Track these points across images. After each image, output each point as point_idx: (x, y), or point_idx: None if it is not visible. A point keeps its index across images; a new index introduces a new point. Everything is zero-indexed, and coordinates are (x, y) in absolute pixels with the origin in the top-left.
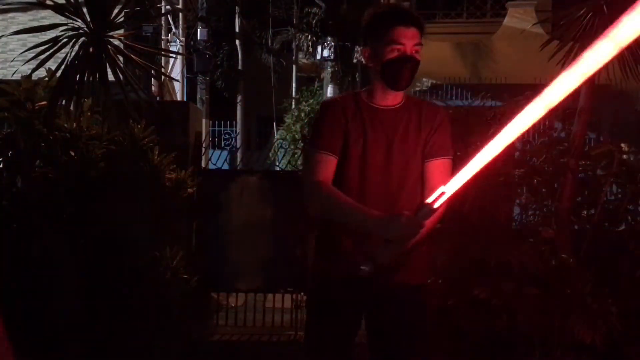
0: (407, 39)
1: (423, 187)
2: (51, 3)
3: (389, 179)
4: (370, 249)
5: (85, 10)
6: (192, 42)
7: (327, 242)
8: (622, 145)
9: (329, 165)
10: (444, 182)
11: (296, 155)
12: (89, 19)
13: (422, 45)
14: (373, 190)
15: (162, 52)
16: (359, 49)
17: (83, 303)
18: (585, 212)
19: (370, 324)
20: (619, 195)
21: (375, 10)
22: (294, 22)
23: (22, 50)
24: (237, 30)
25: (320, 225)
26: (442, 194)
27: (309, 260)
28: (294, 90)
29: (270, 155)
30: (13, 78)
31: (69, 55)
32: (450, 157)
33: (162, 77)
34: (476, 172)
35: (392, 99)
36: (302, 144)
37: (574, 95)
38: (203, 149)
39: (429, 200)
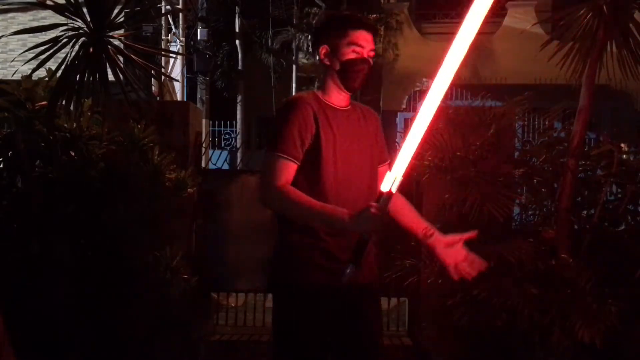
0: (366, 43)
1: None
2: (51, 3)
3: (359, 180)
4: (346, 252)
5: (85, 10)
6: (192, 42)
7: (295, 252)
8: (622, 145)
9: (290, 171)
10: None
11: None
12: (89, 19)
13: (375, 52)
14: (348, 192)
15: (162, 52)
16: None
17: (83, 303)
18: (585, 212)
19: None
20: (619, 195)
21: (336, 12)
22: (294, 22)
23: (22, 50)
24: (237, 30)
25: (285, 234)
26: (395, 178)
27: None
28: (294, 90)
29: None
30: (13, 78)
31: (69, 55)
32: (388, 160)
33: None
34: (414, 152)
35: (345, 99)
36: None
37: (574, 95)
38: (203, 149)
39: (383, 188)
